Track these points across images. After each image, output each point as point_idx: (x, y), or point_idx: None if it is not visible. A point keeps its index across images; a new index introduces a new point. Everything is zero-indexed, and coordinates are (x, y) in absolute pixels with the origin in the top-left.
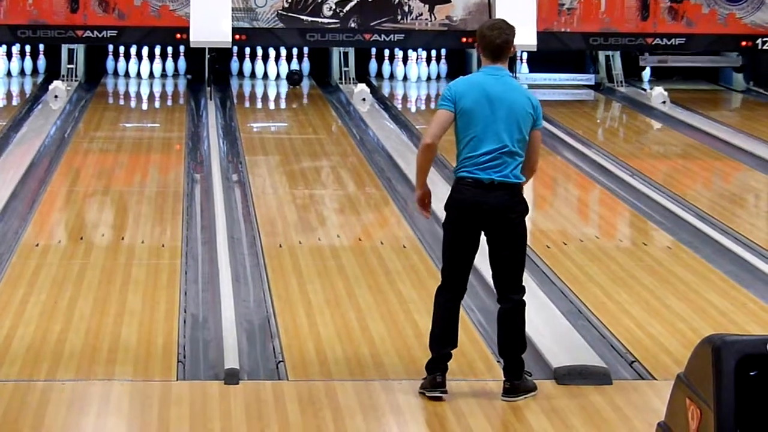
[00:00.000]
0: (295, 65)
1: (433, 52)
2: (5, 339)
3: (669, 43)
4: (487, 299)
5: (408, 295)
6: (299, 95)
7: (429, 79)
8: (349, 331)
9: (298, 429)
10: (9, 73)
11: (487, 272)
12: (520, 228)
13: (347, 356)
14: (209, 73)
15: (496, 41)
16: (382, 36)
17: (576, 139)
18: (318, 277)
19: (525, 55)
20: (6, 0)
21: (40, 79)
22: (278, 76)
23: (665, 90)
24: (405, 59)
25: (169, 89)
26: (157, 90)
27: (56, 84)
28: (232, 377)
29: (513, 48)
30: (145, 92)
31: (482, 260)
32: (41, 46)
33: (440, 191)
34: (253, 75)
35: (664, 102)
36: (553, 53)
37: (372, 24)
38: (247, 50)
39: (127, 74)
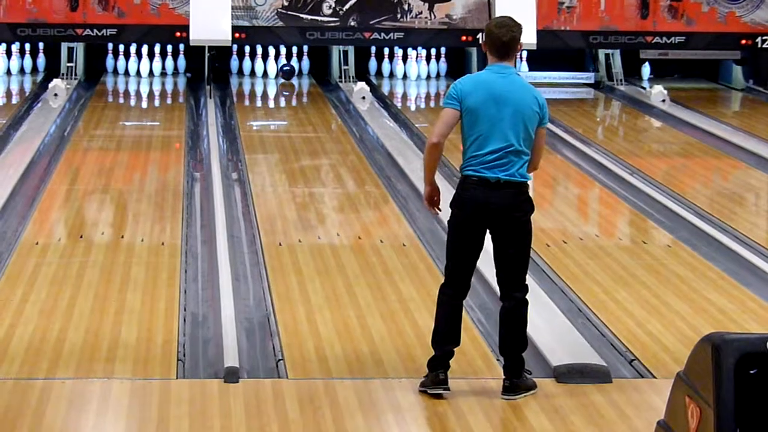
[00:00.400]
0: (294, 63)
1: (433, 51)
2: (5, 337)
3: (669, 41)
4: (487, 297)
5: (407, 294)
6: (299, 94)
7: (429, 77)
8: (349, 330)
9: (298, 427)
10: (9, 72)
11: (487, 270)
12: (526, 227)
13: (347, 354)
14: (209, 71)
15: (503, 39)
16: (382, 34)
17: (576, 137)
18: (318, 276)
19: (525, 54)
20: None
21: (39, 77)
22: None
23: (665, 88)
24: (405, 57)
25: (169, 87)
26: (156, 88)
27: (56, 82)
28: (231, 375)
29: (520, 46)
30: (144, 90)
31: (482, 258)
32: (41, 45)
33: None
34: (252, 73)
35: (663, 100)
36: (552, 51)
37: (372, 22)
38: (247, 48)
39: (126, 72)
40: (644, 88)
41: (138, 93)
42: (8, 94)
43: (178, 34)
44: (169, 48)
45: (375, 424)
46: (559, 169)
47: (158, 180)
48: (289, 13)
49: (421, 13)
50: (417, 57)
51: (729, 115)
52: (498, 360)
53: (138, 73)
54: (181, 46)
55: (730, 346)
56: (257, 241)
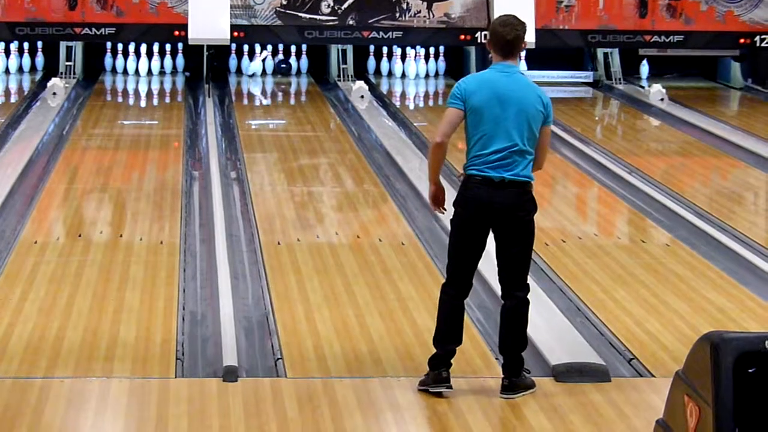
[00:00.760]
0: (293, 62)
1: (432, 50)
2: (4, 336)
3: (667, 40)
4: (486, 297)
5: (406, 293)
6: (298, 93)
7: (427, 76)
8: (348, 329)
9: (297, 426)
10: (7, 71)
11: (485, 270)
12: (529, 226)
13: (345, 353)
14: (207, 70)
15: (507, 37)
16: (381, 33)
17: (574, 136)
18: (316, 275)
19: (523, 53)
20: None
21: (38, 76)
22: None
23: (663, 87)
24: (403, 56)
25: (168, 86)
26: (155, 87)
27: (54, 81)
28: (230, 374)
29: (524, 44)
30: (143, 89)
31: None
32: (39, 44)
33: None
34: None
35: (662, 99)
36: (551, 50)
37: (370, 21)
38: (246, 47)
39: (125, 71)
40: (643, 87)
41: (137, 92)
42: (7, 93)
43: (176, 33)
44: (168, 47)
45: (374, 423)
46: (557, 168)
47: (157, 179)
48: (288, 11)
49: (419, 12)
50: (415, 56)
51: (728, 114)
52: (497, 359)
53: (137, 72)
54: (180, 45)
55: (729, 345)
56: (256, 239)
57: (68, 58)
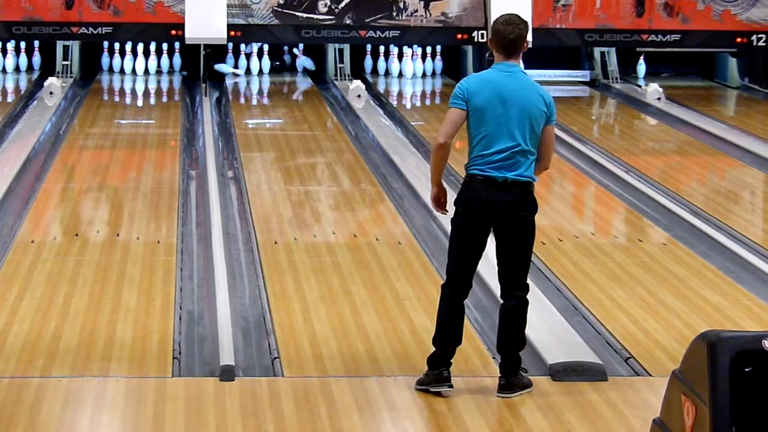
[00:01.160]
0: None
1: (429, 49)
2: (0, 335)
3: (664, 39)
4: (483, 296)
5: (403, 292)
6: (294, 91)
7: (424, 75)
8: (345, 328)
9: (294, 425)
10: (4, 70)
11: (483, 269)
12: (530, 226)
13: (342, 352)
14: (204, 69)
15: (510, 36)
16: (378, 32)
17: (571, 135)
18: (313, 274)
19: None
20: None
21: (35, 75)
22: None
23: (660, 86)
24: (400, 56)
25: (164, 86)
26: (152, 86)
27: (51, 81)
28: (227, 374)
29: (526, 44)
30: (140, 89)
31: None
32: (36, 43)
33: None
34: (248, 71)
35: (659, 98)
36: (548, 49)
37: (367, 20)
38: (243, 47)
39: (122, 71)
40: (640, 86)
41: (133, 91)
42: (3, 92)
43: (173, 32)
44: (165, 46)
45: (371, 422)
46: (554, 167)
47: (154, 178)
48: (285, 11)
49: (416, 11)
50: (413, 55)
51: (725, 113)
52: (494, 358)
53: (133, 71)
54: (177, 45)
55: (726, 343)
56: (253, 239)
57: (65, 58)
